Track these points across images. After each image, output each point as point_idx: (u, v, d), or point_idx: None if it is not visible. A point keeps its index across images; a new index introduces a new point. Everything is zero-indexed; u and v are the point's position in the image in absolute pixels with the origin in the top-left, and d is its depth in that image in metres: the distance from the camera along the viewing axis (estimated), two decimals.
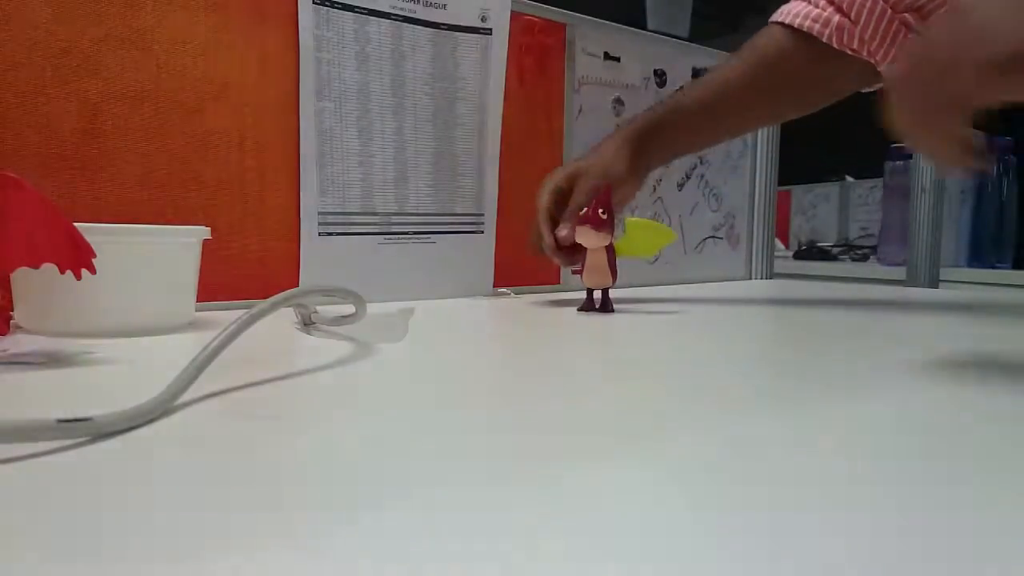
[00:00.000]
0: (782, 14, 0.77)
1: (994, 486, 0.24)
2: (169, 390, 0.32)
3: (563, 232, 0.71)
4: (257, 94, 0.71)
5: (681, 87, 0.79)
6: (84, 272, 0.47)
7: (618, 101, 1.01)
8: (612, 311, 0.71)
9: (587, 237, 0.68)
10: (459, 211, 0.85)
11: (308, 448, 0.28)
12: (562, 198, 0.75)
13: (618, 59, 1.00)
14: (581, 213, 0.68)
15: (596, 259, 0.69)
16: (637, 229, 0.73)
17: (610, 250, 0.69)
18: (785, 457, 0.27)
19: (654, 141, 0.78)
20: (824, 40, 0.73)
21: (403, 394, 0.38)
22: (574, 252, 0.71)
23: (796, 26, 0.74)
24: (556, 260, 0.74)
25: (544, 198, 0.74)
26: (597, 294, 0.72)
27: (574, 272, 0.72)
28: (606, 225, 0.67)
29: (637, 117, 0.80)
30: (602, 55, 0.99)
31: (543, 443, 0.29)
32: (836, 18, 0.73)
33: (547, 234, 0.73)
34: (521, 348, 0.55)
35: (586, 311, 0.72)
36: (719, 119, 0.80)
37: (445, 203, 0.84)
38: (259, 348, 0.47)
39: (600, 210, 0.67)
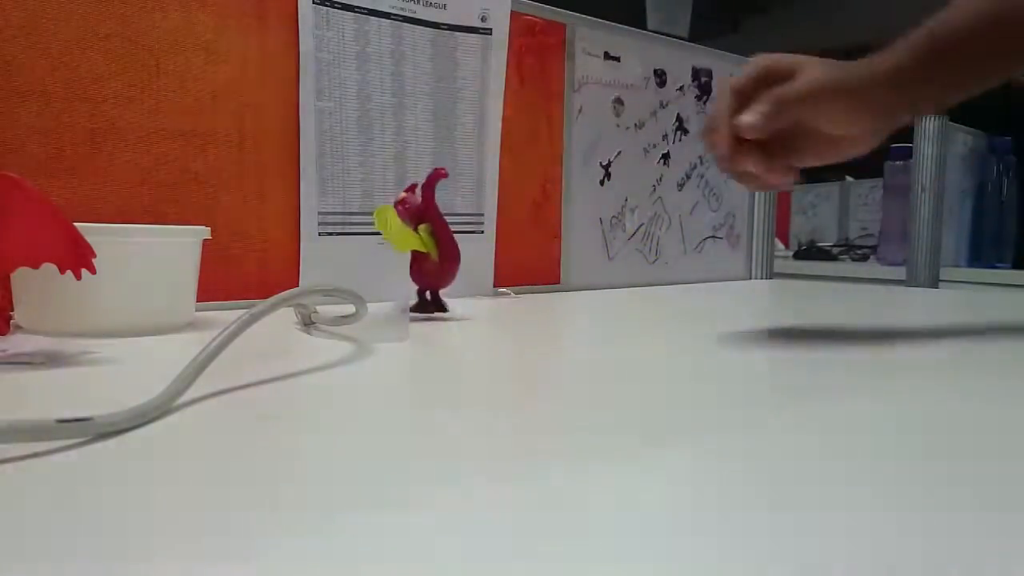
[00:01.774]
0: None
1: (994, 486, 0.24)
2: (169, 390, 0.32)
3: (747, 118, 0.52)
4: (257, 94, 0.71)
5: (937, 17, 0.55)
6: (84, 272, 0.47)
7: (618, 101, 1.01)
8: (444, 311, 0.64)
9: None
10: (459, 211, 0.85)
11: (308, 448, 0.28)
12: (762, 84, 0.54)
13: (618, 59, 1.00)
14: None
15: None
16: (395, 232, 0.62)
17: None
18: (785, 457, 0.27)
19: (936, 73, 0.55)
20: None
21: (403, 394, 0.38)
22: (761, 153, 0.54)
23: None
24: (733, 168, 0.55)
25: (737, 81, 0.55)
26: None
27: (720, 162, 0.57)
28: (406, 211, 0.61)
29: (905, 41, 0.55)
30: (602, 55, 0.99)
31: (543, 443, 0.29)
32: None
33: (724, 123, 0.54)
34: (522, 347, 0.55)
35: (416, 309, 0.64)
36: (1013, 37, 0.55)
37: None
38: (259, 348, 0.47)
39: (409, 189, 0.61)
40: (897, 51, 0.54)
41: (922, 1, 0.67)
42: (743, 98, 0.54)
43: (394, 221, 0.60)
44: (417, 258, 0.63)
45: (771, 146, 0.55)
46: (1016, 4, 0.54)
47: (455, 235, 0.64)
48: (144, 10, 0.64)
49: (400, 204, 0.62)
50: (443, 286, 0.64)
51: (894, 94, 0.54)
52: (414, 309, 0.64)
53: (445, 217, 0.64)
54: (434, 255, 0.62)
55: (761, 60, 0.56)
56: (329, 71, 0.74)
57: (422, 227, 0.62)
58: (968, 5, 0.55)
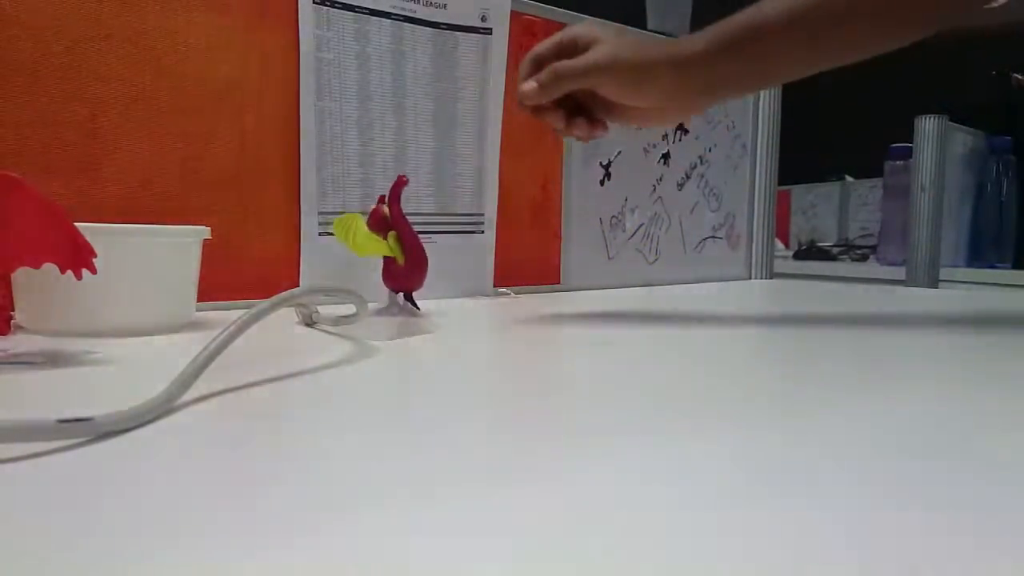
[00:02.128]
0: None
1: (994, 486, 0.24)
2: (169, 390, 0.32)
3: (526, 87, 0.59)
4: (257, 94, 0.71)
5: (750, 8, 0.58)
6: (85, 272, 0.47)
7: None
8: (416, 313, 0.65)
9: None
10: (459, 211, 0.85)
11: (308, 448, 0.28)
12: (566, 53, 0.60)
13: None
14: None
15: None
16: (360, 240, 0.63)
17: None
18: (785, 457, 0.27)
19: (735, 55, 0.58)
20: None
21: (404, 394, 0.38)
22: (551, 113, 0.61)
23: None
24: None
25: (543, 44, 0.61)
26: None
27: None
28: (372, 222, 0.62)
29: (712, 28, 0.59)
30: None
31: (544, 443, 0.29)
32: None
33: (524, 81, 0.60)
34: (522, 347, 0.55)
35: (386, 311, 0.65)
36: (819, 38, 0.58)
37: (445, 203, 0.84)
38: (260, 348, 0.47)
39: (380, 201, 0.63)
40: (702, 36, 0.58)
41: None
42: (538, 65, 0.60)
43: (361, 229, 0.61)
44: (387, 263, 0.64)
45: (576, 103, 0.61)
46: (822, 3, 0.57)
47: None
48: (145, 10, 0.64)
49: (371, 217, 0.63)
50: (414, 288, 0.66)
51: (684, 77, 0.58)
52: (386, 311, 0.65)
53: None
54: (400, 260, 0.63)
55: (568, 30, 0.60)
56: (329, 71, 0.74)
57: (390, 234, 0.63)
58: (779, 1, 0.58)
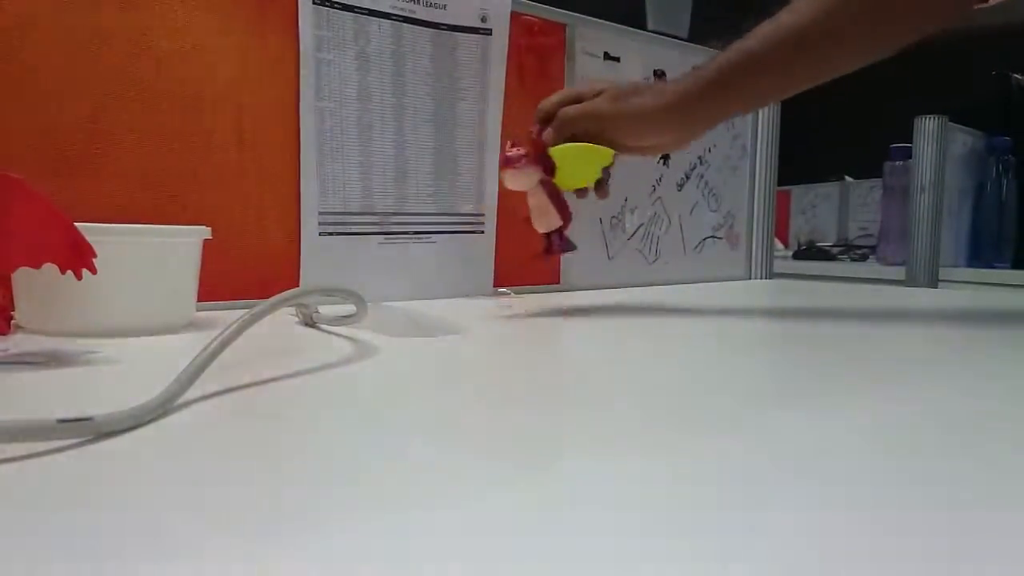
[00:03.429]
0: None
1: (995, 486, 0.24)
2: (169, 390, 0.32)
3: (545, 136, 0.66)
4: (257, 94, 0.71)
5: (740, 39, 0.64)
6: (85, 272, 0.47)
7: None
8: (574, 248, 0.68)
9: (512, 180, 0.64)
10: (459, 211, 0.85)
11: (308, 448, 0.28)
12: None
13: (618, 59, 1.00)
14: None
15: (535, 200, 0.65)
16: (567, 156, 0.65)
17: (548, 185, 0.65)
18: (786, 457, 0.27)
19: (722, 91, 0.65)
20: None
21: (404, 394, 0.38)
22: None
23: None
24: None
25: (542, 107, 0.68)
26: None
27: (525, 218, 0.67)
28: (525, 161, 0.63)
29: (699, 68, 0.66)
30: (602, 55, 0.99)
31: (544, 443, 0.29)
32: None
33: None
34: (522, 347, 0.55)
35: (547, 253, 0.68)
36: (800, 64, 0.64)
37: (445, 203, 0.84)
38: (260, 348, 0.47)
39: (511, 146, 0.63)
40: (693, 78, 0.65)
41: None
42: (547, 116, 0.67)
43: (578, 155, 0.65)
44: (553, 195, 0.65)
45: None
46: (798, 28, 0.62)
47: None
48: (145, 10, 0.64)
49: (508, 165, 0.63)
50: (567, 223, 0.67)
51: (681, 117, 0.66)
52: (545, 252, 0.68)
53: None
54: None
55: (570, 89, 0.70)
56: (329, 71, 0.74)
57: (556, 151, 0.65)
58: (760, 31, 0.64)
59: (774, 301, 0.94)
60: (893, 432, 0.31)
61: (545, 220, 0.66)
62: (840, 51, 0.64)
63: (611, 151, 0.66)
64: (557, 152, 0.65)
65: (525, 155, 0.63)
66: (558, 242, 0.67)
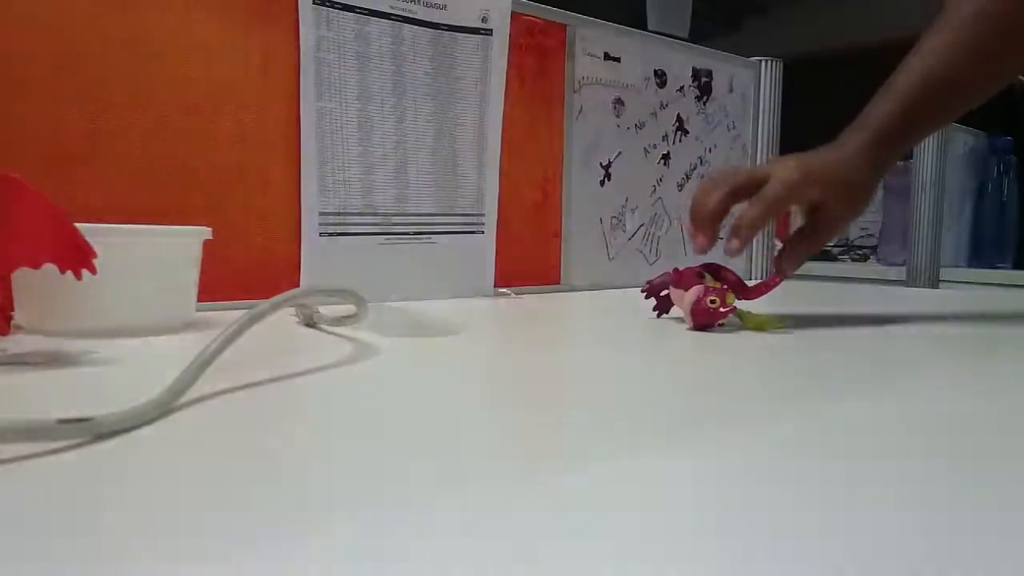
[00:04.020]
0: None
1: (995, 486, 0.24)
2: (169, 390, 0.32)
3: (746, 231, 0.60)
4: (257, 94, 0.71)
5: (890, 81, 0.65)
6: (85, 272, 0.47)
7: (618, 101, 1.01)
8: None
9: (681, 300, 0.60)
10: (459, 211, 0.85)
11: (308, 448, 0.28)
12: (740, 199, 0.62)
13: (618, 59, 1.00)
14: (701, 284, 0.59)
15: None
16: (748, 320, 0.61)
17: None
18: (786, 457, 0.27)
19: (893, 140, 0.64)
20: None
21: (404, 394, 0.38)
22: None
23: None
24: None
25: (713, 196, 0.61)
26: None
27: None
28: (713, 314, 0.58)
29: (866, 116, 0.65)
30: (602, 55, 0.99)
31: (544, 443, 0.29)
32: None
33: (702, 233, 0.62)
34: (522, 347, 0.55)
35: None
36: (949, 101, 0.65)
37: (445, 203, 0.84)
38: (260, 348, 0.47)
39: (713, 297, 0.58)
40: (864, 129, 0.64)
41: (922, 0, 0.67)
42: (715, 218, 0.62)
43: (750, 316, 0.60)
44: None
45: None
46: (949, 75, 0.63)
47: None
48: (145, 10, 0.64)
49: (698, 302, 0.59)
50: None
51: (865, 170, 0.63)
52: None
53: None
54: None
55: (720, 179, 0.63)
56: (329, 71, 0.74)
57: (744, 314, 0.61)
58: (909, 78, 0.63)
59: (773, 301, 0.94)
60: (893, 432, 0.31)
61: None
62: (983, 89, 0.66)
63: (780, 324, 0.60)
64: (746, 315, 0.61)
65: (731, 310, 0.59)
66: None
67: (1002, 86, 0.66)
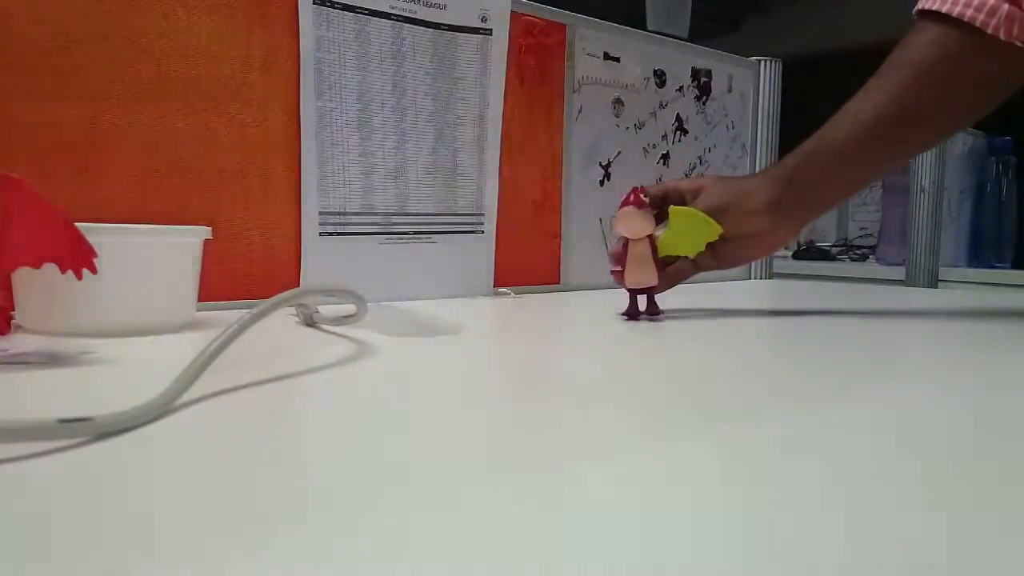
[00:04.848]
0: (933, 1, 0.64)
1: (995, 486, 0.24)
2: (169, 390, 0.32)
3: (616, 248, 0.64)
4: (257, 94, 0.71)
5: (820, 130, 0.66)
6: (85, 272, 0.47)
7: (618, 101, 1.01)
8: (660, 313, 0.64)
9: (628, 220, 0.61)
10: (459, 211, 0.85)
11: (308, 448, 0.28)
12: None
13: (618, 59, 1.00)
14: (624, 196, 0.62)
15: (639, 251, 0.62)
16: (683, 219, 0.63)
17: (654, 242, 0.62)
18: (785, 457, 0.27)
19: (807, 186, 0.66)
20: (990, 32, 0.61)
21: (403, 394, 0.38)
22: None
23: (956, 15, 0.62)
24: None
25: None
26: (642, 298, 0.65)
27: (613, 273, 0.65)
28: (647, 207, 0.61)
29: (780, 161, 0.69)
30: (602, 55, 0.99)
31: (544, 444, 0.29)
32: (1004, 7, 0.61)
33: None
34: (523, 348, 0.55)
35: (631, 317, 0.64)
36: (879, 153, 0.66)
37: (445, 203, 0.84)
38: (260, 348, 0.47)
39: (642, 193, 0.61)
40: (772, 181, 0.66)
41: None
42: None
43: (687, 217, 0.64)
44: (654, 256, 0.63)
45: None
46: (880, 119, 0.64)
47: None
48: (144, 10, 0.64)
49: (633, 203, 0.62)
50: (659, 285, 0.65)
51: (769, 219, 0.65)
52: (626, 314, 0.65)
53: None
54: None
55: (666, 183, 0.69)
56: (329, 71, 0.74)
57: (675, 210, 0.64)
58: (845, 119, 0.65)
59: (773, 301, 0.94)
60: (892, 432, 0.31)
61: (641, 276, 0.63)
62: (918, 134, 0.67)
63: (719, 228, 0.64)
64: (676, 211, 0.64)
65: (648, 201, 0.61)
66: (647, 304, 0.64)
67: (938, 139, 0.67)
